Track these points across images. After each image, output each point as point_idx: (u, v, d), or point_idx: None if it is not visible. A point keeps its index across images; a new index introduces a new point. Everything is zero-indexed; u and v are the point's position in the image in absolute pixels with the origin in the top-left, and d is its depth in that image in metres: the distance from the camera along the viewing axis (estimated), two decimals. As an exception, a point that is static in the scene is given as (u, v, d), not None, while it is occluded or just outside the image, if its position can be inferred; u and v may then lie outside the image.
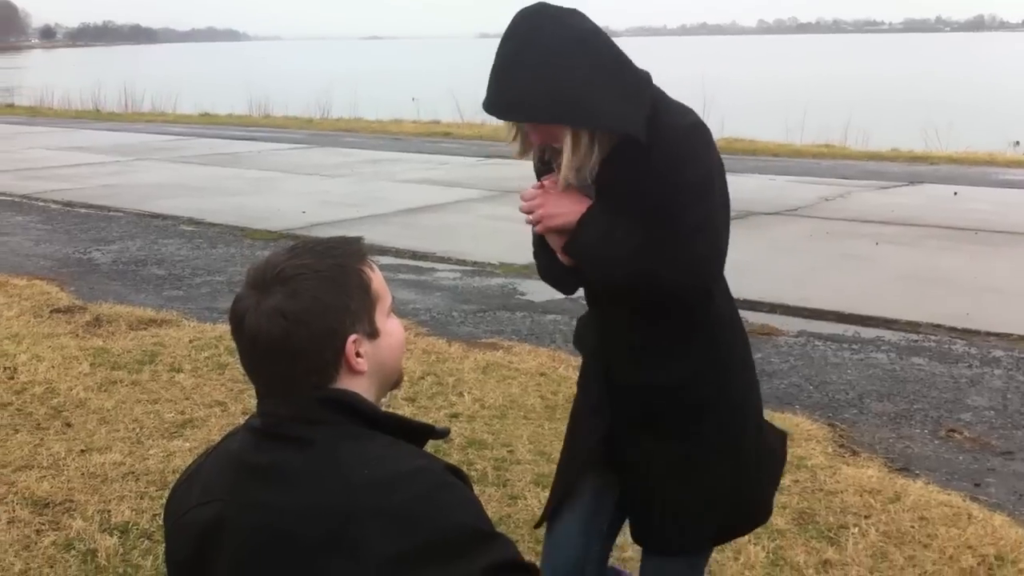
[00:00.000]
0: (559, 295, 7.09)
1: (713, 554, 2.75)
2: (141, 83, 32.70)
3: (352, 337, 1.46)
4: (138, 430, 4.59)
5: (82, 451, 4.36)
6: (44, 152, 17.12)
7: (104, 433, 4.55)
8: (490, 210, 10.95)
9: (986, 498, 4.00)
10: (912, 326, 6.40)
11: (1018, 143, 18.12)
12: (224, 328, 5.69)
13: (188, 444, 4.41)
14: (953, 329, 6.31)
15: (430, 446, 1.56)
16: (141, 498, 3.91)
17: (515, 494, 3.95)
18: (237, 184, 13.21)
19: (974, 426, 4.76)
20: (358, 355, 1.47)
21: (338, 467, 1.38)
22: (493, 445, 4.42)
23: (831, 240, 9.15)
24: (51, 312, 6.56)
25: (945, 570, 3.40)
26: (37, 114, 27.73)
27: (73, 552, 3.51)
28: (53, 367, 5.38)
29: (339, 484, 1.36)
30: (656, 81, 2.17)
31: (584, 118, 2.07)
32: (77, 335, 6.04)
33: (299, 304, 1.42)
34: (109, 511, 3.79)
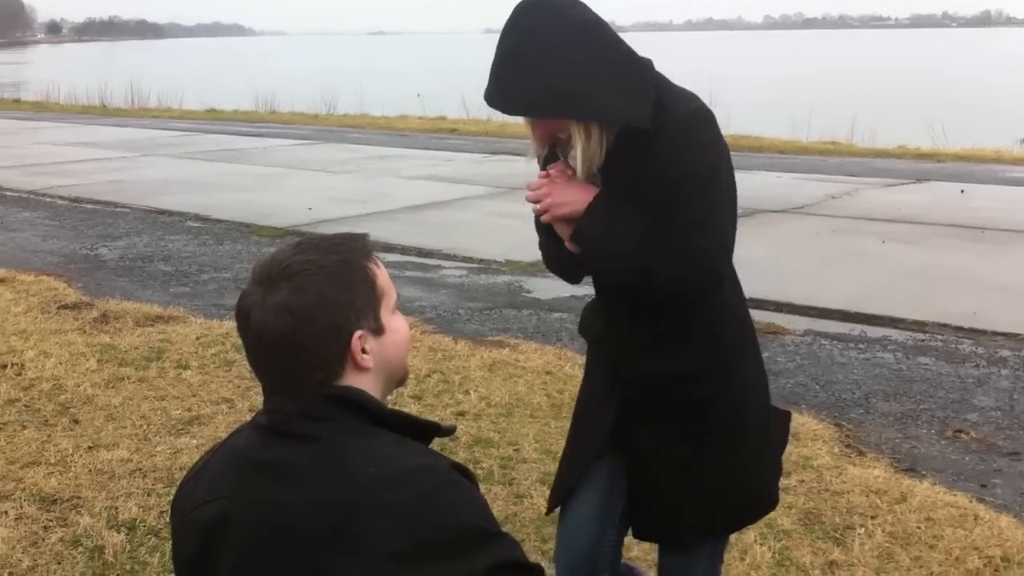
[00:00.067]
0: (566, 293, 7.12)
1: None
2: (147, 79, 32.73)
3: (357, 333, 1.46)
4: (145, 427, 4.60)
5: (89, 448, 4.37)
6: (50, 148, 17.14)
7: (111, 430, 4.57)
8: (496, 207, 10.94)
9: (992, 499, 3.99)
10: (919, 325, 6.39)
11: (1025, 140, 18.08)
12: (231, 325, 5.70)
13: (195, 441, 4.41)
14: (960, 328, 6.30)
15: (436, 444, 1.57)
16: (148, 495, 3.92)
17: (521, 492, 3.95)
18: (243, 180, 13.22)
19: (981, 426, 4.76)
20: (364, 351, 1.47)
21: (344, 464, 1.38)
22: (499, 443, 4.42)
23: (837, 238, 9.14)
24: (58, 308, 6.57)
25: (951, 571, 3.39)
26: (43, 109, 27.78)
27: (80, 549, 3.52)
28: (60, 363, 5.39)
29: (344, 481, 1.37)
30: (661, 77, 2.17)
31: (587, 110, 2.07)
32: (84, 331, 6.05)
33: (305, 300, 1.42)
34: (116, 508, 3.80)
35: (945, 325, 6.36)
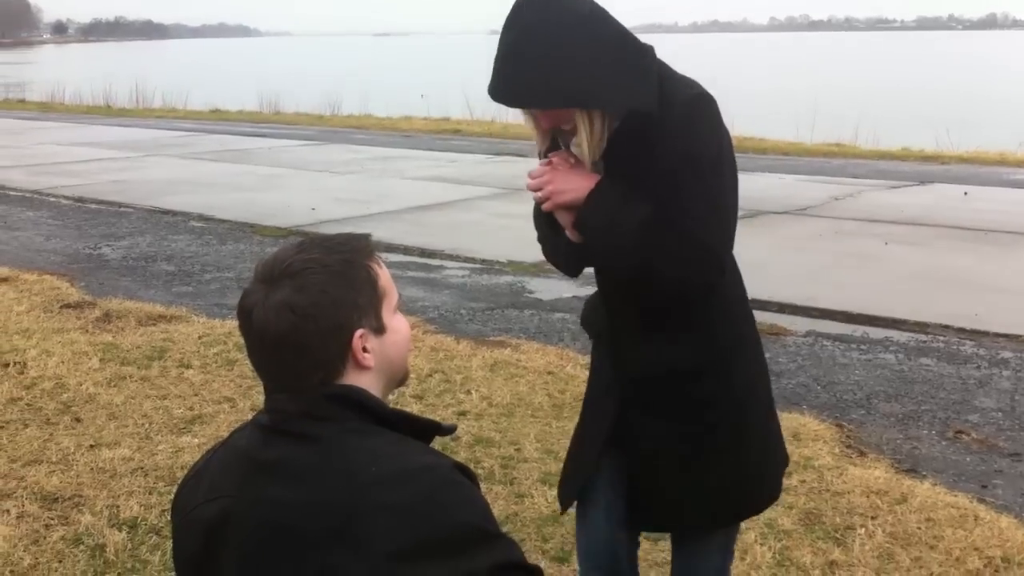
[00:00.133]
0: (568, 293, 7.12)
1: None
2: (152, 79, 32.79)
3: (359, 332, 1.46)
4: (147, 426, 4.61)
5: (91, 446, 4.38)
6: (55, 147, 17.17)
7: (113, 428, 4.58)
8: (499, 208, 10.95)
9: (993, 500, 3.99)
10: (921, 327, 6.39)
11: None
12: (233, 324, 5.71)
13: (197, 440, 4.42)
14: (962, 330, 6.30)
15: (438, 443, 1.57)
16: (150, 493, 3.93)
17: (522, 492, 3.95)
18: (247, 180, 13.24)
19: (982, 427, 4.76)
20: (365, 350, 1.47)
21: (345, 463, 1.39)
22: (500, 443, 4.43)
23: (840, 240, 9.14)
24: (61, 307, 6.58)
25: (951, 572, 3.39)
26: (48, 109, 27.83)
27: (82, 547, 3.53)
28: (63, 362, 5.40)
29: (346, 480, 1.37)
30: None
31: (592, 99, 2.07)
32: (87, 330, 6.06)
33: (307, 298, 1.43)
34: (118, 506, 3.81)
35: (947, 326, 6.36)
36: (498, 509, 3.75)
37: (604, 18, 2.09)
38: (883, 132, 18.12)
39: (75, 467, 4.16)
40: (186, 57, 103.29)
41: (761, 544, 3.52)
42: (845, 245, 8.90)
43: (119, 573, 3.39)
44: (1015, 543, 3.57)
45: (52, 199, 11.66)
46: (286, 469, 1.41)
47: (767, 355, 5.66)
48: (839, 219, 10.13)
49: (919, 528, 3.68)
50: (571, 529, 3.64)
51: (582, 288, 6.98)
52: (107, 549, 3.50)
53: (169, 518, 1.90)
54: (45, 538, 3.59)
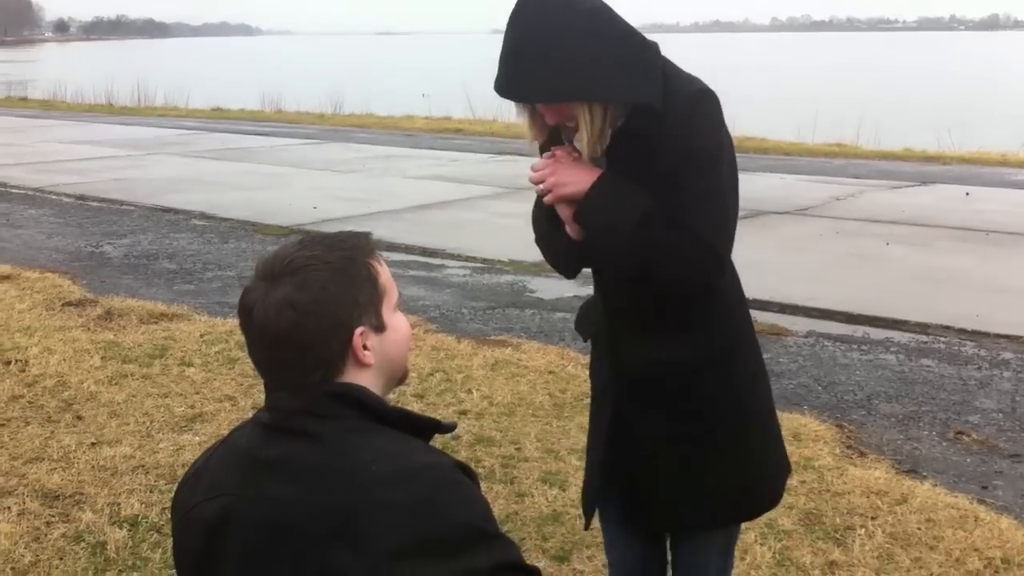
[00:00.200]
0: (569, 293, 7.12)
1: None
2: (154, 77, 32.80)
3: (359, 329, 1.46)
4: (148, 424, 4.62)
5: (92, 444, 4.38)
6: (57, 145, 17.18)
7: (114, 426, 4.58)
8: (501, 207, 10.95)
9: (993, 501, 4.00)
10: (922, 327, 6.39)
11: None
12: (235, 323, 5.71)
13: (198, 438, 4.43)
14: (963, 331, 6.30)
15: (438, 442, 1.57)
16: (151, 491, 3.94)
17: (522, 491, 3.96)
18: (249, 179, 13.25)
19: (982, 428, 4.76)
20: (365, 348, 1.47)
21: (346, 461, 1.39)
22: (501, 442, 4.43)
23: (841, 240, 9.14)
24: (63, 305, 6.59)
25: (951, 572, 3.40)
26: (50, 107, 27.83)
27: (83, 544, 3.54)
28: (64, 360, 5.41)
29: (346, 478, 1.37)
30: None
31: (597, 93, 2.07)
32: (88, 328, 6.07)
33: (308, 295, 1.43)
34: (119, 504, 3.82)
35: (948, 327, 6.36)
36: (498, 508, 3.76)
37: (608, 13, 2.10)
38: (884, 132, 18.11)
39: (76, 465, 4.16)
40: (188, 56, 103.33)
41: (761, 544, 3.52)
42: (846, 245, 8.91)
43: (120, 571, 3.39)
44: (1015, 544, 3.57)
45: (54, 197, 11.67)
46: (286, 467, 1.41)
47: (767, 355, 5.67)
48: (840, 219, 10.13)
49: (919, 529, 3.68)
50: (571, 528, 3.66)
51: (583, 288, 6.98)
52: (108, 547, 3.51)
53: (170, 516, 1.90)
54: (46, 535, 3.59)
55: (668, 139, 2.08)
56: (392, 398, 1.59)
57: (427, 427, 1.54)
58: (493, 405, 4.87)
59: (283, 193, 11.96)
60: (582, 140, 2.13)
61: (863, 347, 6.00)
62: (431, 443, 1.53)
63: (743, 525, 2.62)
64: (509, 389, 5.08)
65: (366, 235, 1.56)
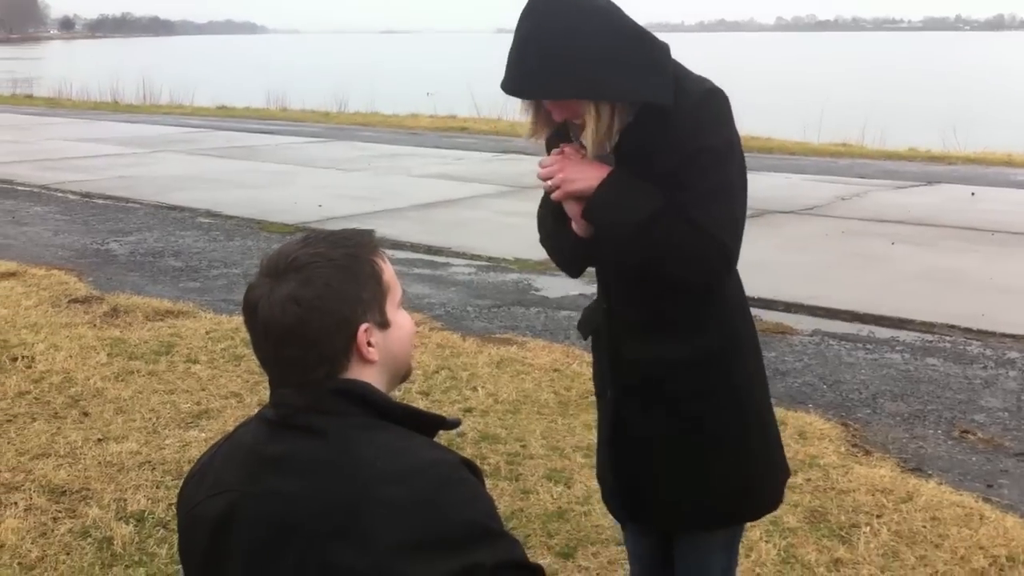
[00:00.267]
0: (574, 291, 7.12)
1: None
2: (159, 75, 32.84)
3: (363, 326, 1.47)
4: (154, 420, 4.63)
5: (99, 440, 4.40)
6: (63, 143, 17.21)
7: (121, 422, 4.59)
8: (505, 206, 10.96)
9: (998, 499, 4.00)
10: (927, 326, 6.38)
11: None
12: (240, 320, 5.70)
13: (204, 434, 4.44)
14: (968, 330, 6.29)
15: (444, 439, 1.58)
16: (157, 487, 3.95)
17: (527, 488, 3.96)
18: (254, 177, 13.26)
19: (987, 427, 4.76)
20: (369, 344, 1.48)
21: (350, 458, 1.40)
22: (506, 440, 4.44)
23: (847, 239, 9.13)
24: (69, 302, 6.61)
25: (956, 570, 3.40)
26: (56, 105, 27.86)
27: (89, 540, 3.55)
28: (71, 357, 5.42)
29: (351, 474, 1.38)
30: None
31: (604, 92, 2.08)
32: (95, 325, 6.08)
33: (312, 291, 1.44)
34: (125, 500, 3.83)
35: (953, 326, 6.36)
36: (504, 505, 3.77)
37: (617, 13, 2.11)
38: (890, 132, 18.09)
39: (83, 461, 4.18)
40: (193, 54, 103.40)
41: (766, 542, 3.53)
42: (851, 245, 8.90)
43: (126, 566, 3.41)
44: (1020, 542, 3.57)
45: (60, 194, 11.69)
46: (291, 463, 1.42)
47: (772, 354, 5.68)
48: (845, 219, 10.12)
49: (924, 527, 3.68)
50: (576, 525, 3.67)
51: (588, 286, 6.99)
52: (114, 542, 3.52)
53: (175, 512, 1.91)
54: (53, 531, 3.61)
55: (677, 138, 2.09)
56: (397, 395, 1.59)
57: (431, 423, 1.54)
58: (498, 403, 4.88)
59: (288, 191, 11.98)
60: (588, 138, 2.14)
61: (868, 346, 6.00)
62: (437, 439, 1.54)
63: (746, 524, 2.63)
64: (514, 387, 5.09)
65: (370, 232, 1.56)
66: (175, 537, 3.48)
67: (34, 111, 25.15)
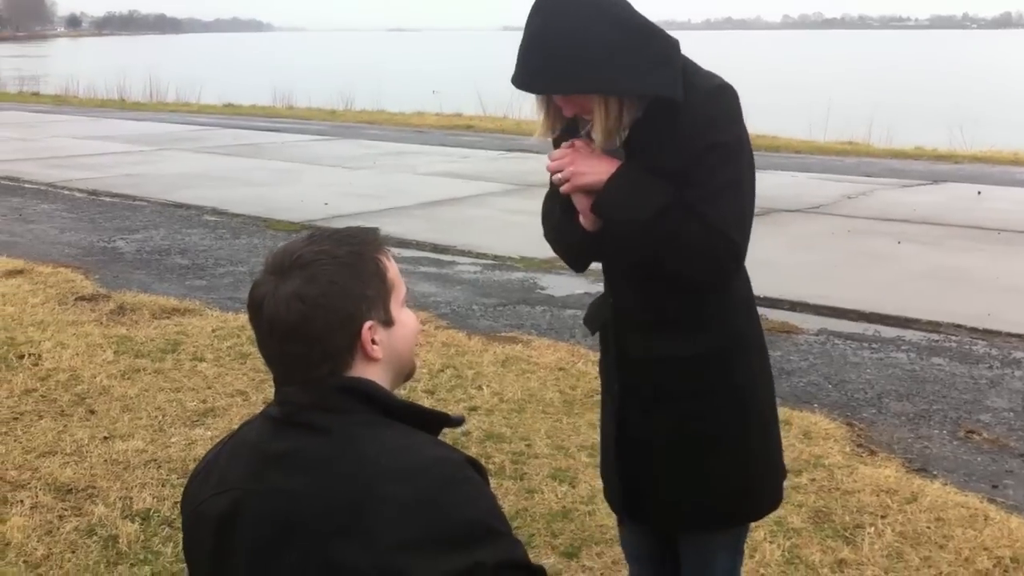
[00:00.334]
0: (579, 290, 7.12)
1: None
2: (166, 73, 32.87)
3: (368, 324, 1.48)
4: (160, 418, 4.64)
5: (105, 438, 4.41)
6: (70, 141, 17.24)
7: (127, 420, 4.61)
8: (511, 204, 10.96)
9: (1004, 500, 3.99)
10: (933, 326, 6.37)
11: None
12: (246, 318, 5.72)
13: (210, 433, 4.45)
14: (974, 330, 6.28)
15: (449, 437, 1.58)
16: (163, 485, 3.96)
17: (532, 488, 3.97)
18: (260, 175, 13.28)
19: (993, 427, 4.75)
20: (373, 342, 1.49)
21: (354, 455, 1.40)
22: (511, 439, 4.44)
23: (853, 238, 9.12)
24: (75, 300, 6.62)
25: (961, 571, 3.40)
26: (62, 103, 27.91)
27: (95, 538, 3.56)
28: (77, 354, 5.44)
29: (354, 472, 1.38)
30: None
31: (615, 85, 2.09)
32: (101, 323, 6.10)
33: (317, 288, 1.44)
34: (131, 498, 3.84)
35: (959, 326, 6.35)
36: (508, 505, 3.77)
37: (627, 9, 2.12)
38: (896, 131, 18.04)
39: (89, 459, 4.19)
40: (200, 51, 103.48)
41: (770, 542, 3.53)
42: (857, 244, 8.89)
43: (131, 564, 3.41)
44: (1025, 543, 3.56)
45: (66, 192, 11.71)
46: (295, 460, 1.43)
47: (778, 353, 5.68)
48: (852, 218, 10.11)
49: (929, 527, 3.68)
50: (580, 525, 3.67)
51: (593, 285, 6.99)
52: (120, 540, 3.53)
53: (180, 510, 1.93)
54: (58, 529, 3.62)
55: (687, 133, 2.09)
56: (402, 393, 1.60)
57: (436, 421, 1.55)
58: (503, 401, 4.88)
59: (294, 189, 11.99)
60: (597, 132, 2.14)
61: (874, 345, 5.99)
62: (441, 437, 1.54)
63: (751, 524, 2.63)
64: (519, 386, 5.09)
65: (374, 230, 1.57)
66: (180, 535, 3.50)
67: (41, 109, 25.19)
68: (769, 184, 11.67)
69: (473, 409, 4.77)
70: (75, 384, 5.04)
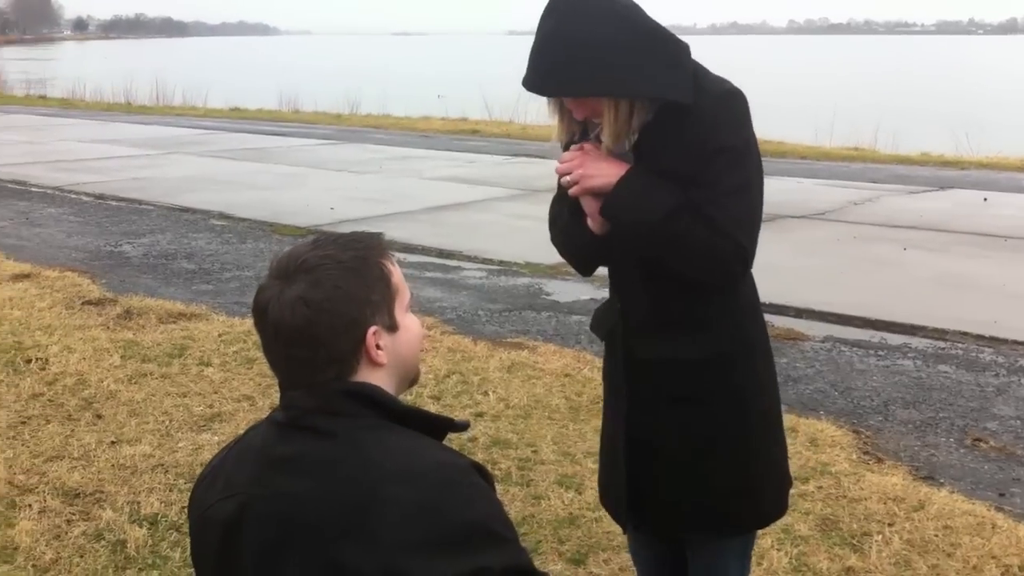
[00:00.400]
0: (585, 296, 7.12)
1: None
2: (172, 76, 32.93)
3: (372, 329, 1.48)
4: (167, 423, 4.65)
5: (112, 443, 4.42)
6: (76, 144, 17.28)
7: (134, 425, 4.62)
8: (517, 209, 10.97)
9: (1011, 508, 3.99)
10: (939, 333, 6.37)
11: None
12: (252, 323, 5.73)
13: (216, 437, 4.46)
14: (980, 337, 6.28)
15: (455, 444, 1.58)
16: (170, 490, 3.97)
17: (538, 494, 3.97)
18: (266, 179, 13.30)
19: (1000, 435, 4.75)
20: (378, 347, 1.49)
21: (359, 459, 1.41)
22: (517, 445, 4.45)
23: (858, 245, 9.12)
24: (82, 304, 6.64)
25: (968, 579, 3.39)
26: (69, 106, 27.97)
27: (103, 542, 3.57)
28: (84, 359, 5.45)
29: (359, 475, 1.39)
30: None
31: (625, 88, 2.10)
32: (108, 327, 6.11)
33: (321, 293, 1.45)
34: (138, 502, 3.85)
35: (965, 333, 6.34)
36: (515, 511, 3.77)
37: (638, 12, 2.13)
38: (902, 136, 18.02)
39: (96, 463, 4.20)
40: (206, 55, 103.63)
41: (777, 550, 3.53)
42: (863, 250, 8.88)
43: (139, 569, 3.42)
44: (1032, 552, 3.56)
45: (73, 196, 11.74)
46: (300, 464, 1.43)
47: (784, 360, 5.67)
48: (857, 224, 10.11)
49: (936, 535, 3.68)
50: (587, 531, 3.67)
51: (599, 291, 6.99)
52: (128, 545, 3.53)
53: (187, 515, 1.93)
54: (67, 533, 3.63)
55: (696, 136, 2.11)
56: (409, 399, 1.60)
57: (440, 425, 1.55)
58: (509, 407, 4.88)
59: (300, 193, 12.01)
60: (607, 135, 2.15)
61: (880, 352, 5.99)
62: (447, 442, 1.55)
63: (758, 531, 2.62)
64: (525, 391, 5.09)
65: (379, 235, 1.58)
66: (188, 540, 3.51)
67: (48, 112, 25.25)
68: (775, 190, 11.62)
69: (479, 415, 4.78)
70: (82, 388, 5.05)
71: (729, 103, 2.14)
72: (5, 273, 7.48)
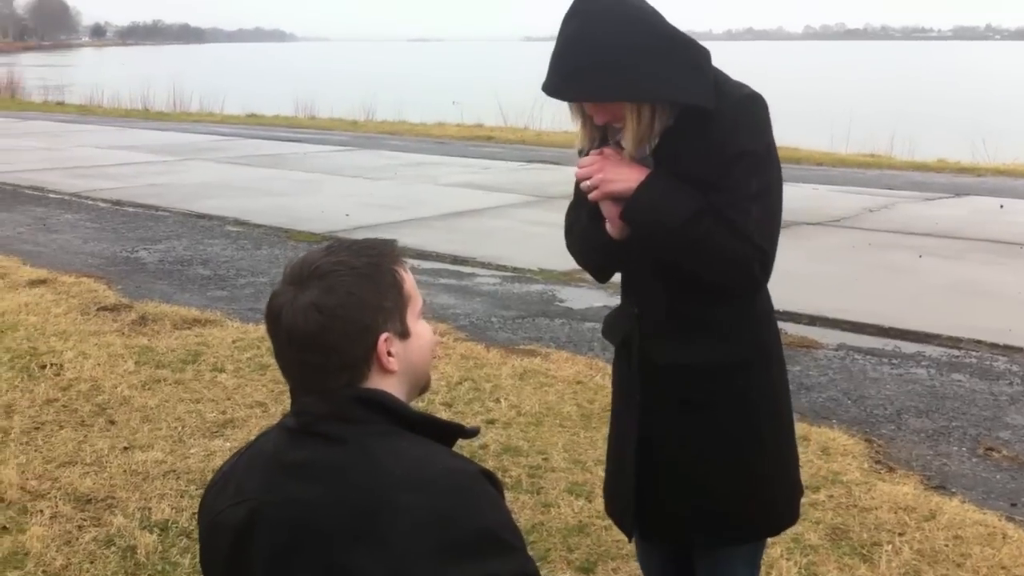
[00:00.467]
0: (598, 303, 7.12)
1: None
2: (189, 83, 33.09)
3: (384, 335, 1.49)
4: (180, 429, 4.67)
5: (125, 448, 4.44)
6: (94, 151, 17.37)
7: (147, 431, 4.64)
8: (531, 215, 10.97)
9: (1022, 518, 3.96)
10: (953, 341, 6.34)
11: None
12: (266, 329, 5.75)
13: (229, 444, 4.47)
14: (995, 345, 6.25)
15: (466, 449, 1.59)
16: (181, 496, 3.98)
17: (549, 502, 3.97)
18: (282, 185, 13.35)
19: (1013, 445, 4.72)
20: (390, 354, 1.50)
21: (370, 465, 1.41)
22: (528, 452, 4.45)
23: (873, 252, 9.09)
24: (98, 310, 6.67)
25: (979, 590, 3.38)
26: (87, 112, 28.15)
27: (113, 548, 3.59)
28: (98, 365, 5.48)
29: (370, 481, 1.40)
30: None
31: (647, 93, 2.10)
32: (123, 333, 6.14)
33: (334, 299, 1.46)
34: (150, 508, 3.87)
35: (980, 341, 6.31)
36: (524, 518, 3.78)
37: (658, 17, 2.14)
38: (918, 143, 17.96)
39: (108, 469, 4.22)
40: (223, 61, 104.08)
41: (787, 559, 3.52)
42: (878, 257, 8.86)
43: (149, 575, 3.44)
44: (1044, 562, 3.54)
45: (90, 202, 11.81)
46: (311, 470, 1.44)
47: (797, 368, 5.65)
48: (873, 231, 10.07)
49: (947, 545, 3.66)
50: (597, 540, 3.66)
51: (612, 298, 6.99)
52: (138, 551, 3.55)
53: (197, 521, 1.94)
54: (77, 539, 3.65)
55: (717, 141, 2.11)
56: (421, 406, 1.61)
57: (451, 432, 1.56)
58: (521, 415, 4.89)
59: (315, 200, 12.05)
60: (628, 139, 2.16)
61: (894, 361, 5.97)
62: (458, 448, 1.55)
63: (768, 540, 2.62)
64: (537, 399, 5.10)
65: (392, 242, 1.59)
66: (198, 546, 3.52)
67: (65, 118, 25.41)
68: (790, 196, 11.55)
69: (491, 422, 4.78)
70: (96, 394, 5.08)
71: (750, 107, 2.14)
72: (22, 279, 7.53)
